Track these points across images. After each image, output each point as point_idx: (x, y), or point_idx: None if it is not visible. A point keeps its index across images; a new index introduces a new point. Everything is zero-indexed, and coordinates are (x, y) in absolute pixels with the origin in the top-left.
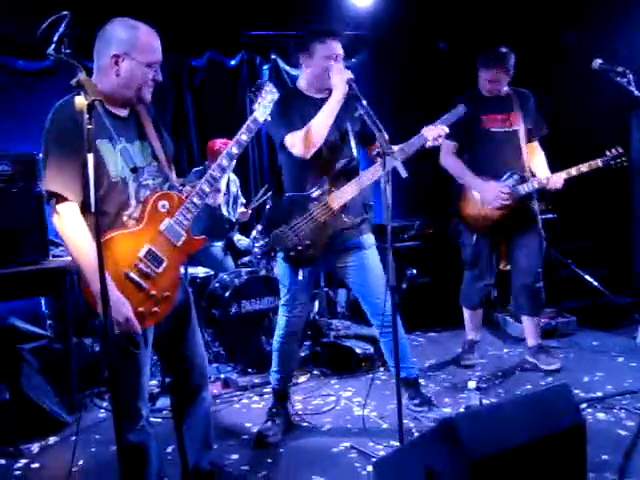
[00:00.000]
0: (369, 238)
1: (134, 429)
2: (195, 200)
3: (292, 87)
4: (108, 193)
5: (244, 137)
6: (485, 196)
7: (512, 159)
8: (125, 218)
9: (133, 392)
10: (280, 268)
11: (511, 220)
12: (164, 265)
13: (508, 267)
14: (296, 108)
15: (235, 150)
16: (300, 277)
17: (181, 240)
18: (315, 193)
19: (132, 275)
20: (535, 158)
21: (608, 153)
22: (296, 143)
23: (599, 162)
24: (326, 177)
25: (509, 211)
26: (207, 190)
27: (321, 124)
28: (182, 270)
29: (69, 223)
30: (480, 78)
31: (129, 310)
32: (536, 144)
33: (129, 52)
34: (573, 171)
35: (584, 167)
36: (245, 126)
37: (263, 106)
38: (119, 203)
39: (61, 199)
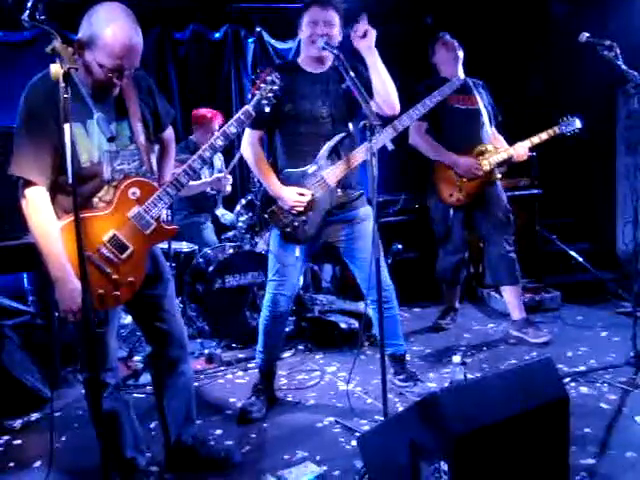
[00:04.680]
0: (365, 210)
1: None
2: (169, 190)
3: (290, 60)
4: (78, 177)
5: (232, 129)
6: (460, 168)
7: (476, 134)
8: (96, 200)
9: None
10: (274, 244)
11: (481, 192)
12: (129, 251)
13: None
14: (287, 84)
15: (220, 142)
16: (297, 254)
17: (150, 229)
18: (311, 169)
19: (94, 259)
20: (495, 140)
21: (562, 119)
22: (245, 140)
23: (556, 129)
24: (321, 153)
25: (480, 182)
26: (184, 181)
27: None
28: (158, 245)
29: (35, 209)
30: (437, 63)
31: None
32: (494, 130)
33: (89, 44)
34: (535, 139)
35: (544, 135)
36: (235, 118)
37: (260, 97)
38: (90, 187)
39: (29, 183)
